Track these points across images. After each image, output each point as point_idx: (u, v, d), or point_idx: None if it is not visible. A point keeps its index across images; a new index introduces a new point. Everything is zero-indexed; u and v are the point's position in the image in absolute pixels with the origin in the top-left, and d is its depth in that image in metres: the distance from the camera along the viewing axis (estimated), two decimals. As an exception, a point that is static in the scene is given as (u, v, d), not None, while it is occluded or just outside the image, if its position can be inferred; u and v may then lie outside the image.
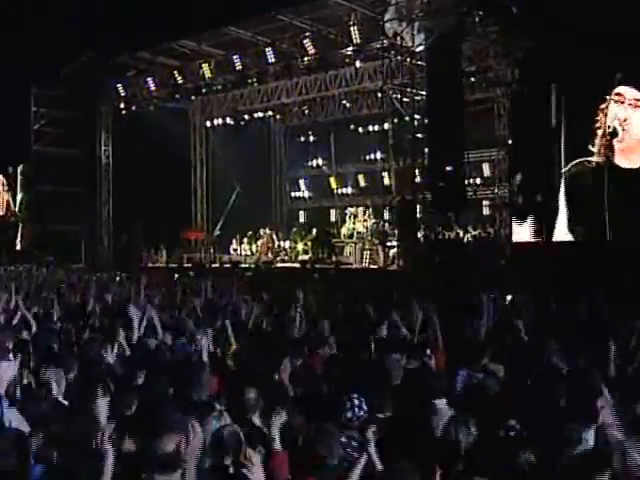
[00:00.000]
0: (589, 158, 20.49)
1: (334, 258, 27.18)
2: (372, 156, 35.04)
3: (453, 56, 21.73)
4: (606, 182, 19.84)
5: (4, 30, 30.28)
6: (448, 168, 22.52)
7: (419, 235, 24.46)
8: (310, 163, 37.41)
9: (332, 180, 36.78)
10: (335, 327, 9.81)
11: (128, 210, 33.04)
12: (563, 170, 20.69)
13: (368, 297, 12.73)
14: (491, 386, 6.59)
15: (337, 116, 35.15)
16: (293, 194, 38.75)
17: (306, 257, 29.78)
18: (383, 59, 23.83)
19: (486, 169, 30.67)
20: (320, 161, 37.00)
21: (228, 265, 30.06)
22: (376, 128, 34.23)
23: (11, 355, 7.55)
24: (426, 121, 24.92)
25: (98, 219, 34.36)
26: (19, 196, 35.21)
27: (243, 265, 29.98)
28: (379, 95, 30.17)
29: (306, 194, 38.33)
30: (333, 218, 36.39)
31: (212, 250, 34.09)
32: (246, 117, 34.17)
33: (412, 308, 9.86)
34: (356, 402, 5.92)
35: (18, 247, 34.94)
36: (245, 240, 33.27)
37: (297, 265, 29.05)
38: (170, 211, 32.91)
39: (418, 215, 24.57)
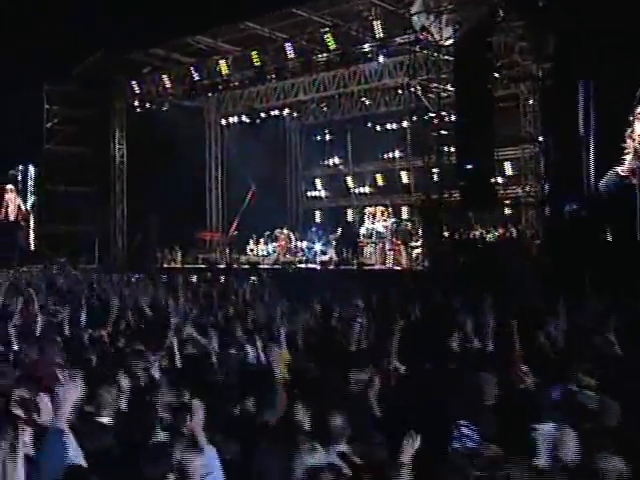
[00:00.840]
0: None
1: (358, 259, 26.42)
2: (390, 155, 34.42)
3: (482, 50, 21.00)
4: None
5: (16, 27, 29.77)
6: (469, 166, 21.82)
7: (445, 235, 23.74)
8: (326, 162, 36.72)
9: (349, 179, 36.06)
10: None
11: (142, 210, 32.41)
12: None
13: (412, 302, 11.99)
14: (596, 404, 5.85)
15: (354, 114, 34.49)
16: (309, 193, 38.02)
17: (325, 258, 29.14)
18: (411, 53, 23.07)
19: (508, 167, 29.94)
20: (337, 160, 36.31)
21: (247, 266, 29.29)
22: (394, 126, 33.65)
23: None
24: (452, 118, 24.35)
25: (112, 219, 33.71)
26: (31, 197, 34.60)
27: (263, 266, 29.23)
28: (400, 92, 29.76)
29: (322, 193, 37.61)
30: (350, 218, 35.70)
31: (228, 251, 33.45)
32: (262, 115, 33.41)
33: (484, 313, 9.09)
34: (465, 431, 5.10)
35: (32, 248, 34.33)
36: (262, 240, 32.55)
37: (317, 266, 28.39)
38: (184, 211, 32.24)
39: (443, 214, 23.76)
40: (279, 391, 6.00)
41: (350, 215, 35.83)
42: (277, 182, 36.90)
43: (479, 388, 6.33)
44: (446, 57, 22.89)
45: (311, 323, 10.17)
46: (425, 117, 24.74)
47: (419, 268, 23.98)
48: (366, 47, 25.31)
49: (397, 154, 34.17)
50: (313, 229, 32.00)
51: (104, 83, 32.49)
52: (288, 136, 37.91)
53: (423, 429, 5.01)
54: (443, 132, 23.69)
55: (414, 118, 31.93)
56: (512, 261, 20.55)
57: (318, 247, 31.00)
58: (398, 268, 25.09)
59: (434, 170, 24.51)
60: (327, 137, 36.49)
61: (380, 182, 35.46)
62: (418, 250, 26.56)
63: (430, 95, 23.49)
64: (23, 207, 34.78)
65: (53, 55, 29.76)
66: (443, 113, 23.98)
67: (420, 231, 26.82)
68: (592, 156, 19.65)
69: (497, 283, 16.50)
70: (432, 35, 22.03)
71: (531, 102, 26.30)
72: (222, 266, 29.90)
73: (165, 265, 31.72)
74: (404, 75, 27.57)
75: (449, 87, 23.38)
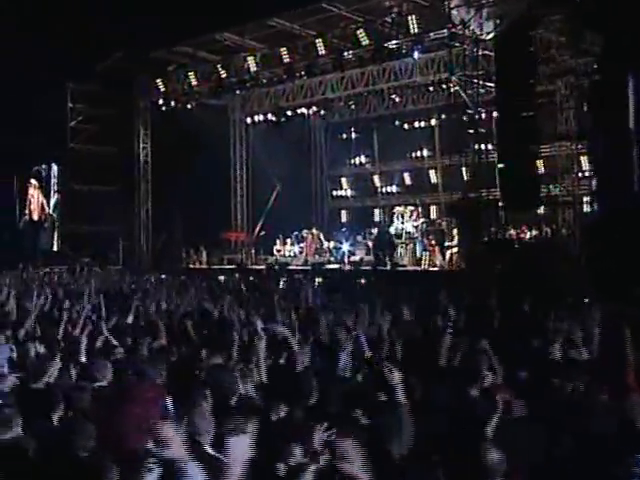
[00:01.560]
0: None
1: (395, 260, 25.86)
2: (418, 153, 33.83)
3: (525, 44, 20.37)
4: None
5: (40, 25, 29.35)
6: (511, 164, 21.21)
7: (485, 235, 23.15)
8: (353, 161, 36.17)
9: (376, 178, 35.47)
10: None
11: (167, 210, 31.99)
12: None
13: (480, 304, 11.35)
14: None
15: (380, 112, 33.88)
16: (334, 193, 37.43)
17: (355, 258, 28.59)
18: (450, 48, 22.42)
19: (541, 166, 29.21)
20: (363, 159, 35.76)
21: (276, 267, 28.76)
22: (422, 124, 33.09)
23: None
24: (490, 114, 23.83)
25: (136, 219, 33.16)
26: (54, 196, 34.15)
27: (296, 267, 28.70)
28: (431, 89, 29.15)
29: (348, 193, 37.04)
30: (377, 218, 35.13)
31: (254, 251, 32.99)
32: (288, 113, 32.85)
33: (589, 316, 8.43)
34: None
35: (55, 248, 33.88)
36: (289, 241, 32.01)
37: (348, 267, 27.86)
38: (209, 210, 31.79)
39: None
40: (404, 416, 5.14)
41: (377, 215, 35.23)
42: (302, 181, 36.40)
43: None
44: (485, 52, 22.25)
45: (389, 329, 9.44)
46: (462, 114, 24.03)
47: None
48: (400, 43, 24.62)
49: (425, 153, 33.59)
50: (343, 229, 31.42)
51: (128, 82, 32.05)
52: (313, 135, 37.40)
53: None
54: (481, 130, 22.93)
55: (443, 116, 31.78)
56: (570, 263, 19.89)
57: (346, 247, 30.47)
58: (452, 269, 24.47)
59: (468, 169, 23.87)
60: (353, 135, 35.94)
61: (408, 181, 34.85)
62: (453, 250, 25.99)
63: (468, 91, 22.79)
64: (46, 207, 34.33)
65: (77, 54, 29.33)
66: (480, 110, 23.26)
67: (456, 231, 26.19)
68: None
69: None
70: (472, 29, 21.39)
71: (568, 98, 25.70)
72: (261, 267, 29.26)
73: (191, 265, 31.23)
74: (435, 72, 27.18)
75: (488, 83, 22.74)
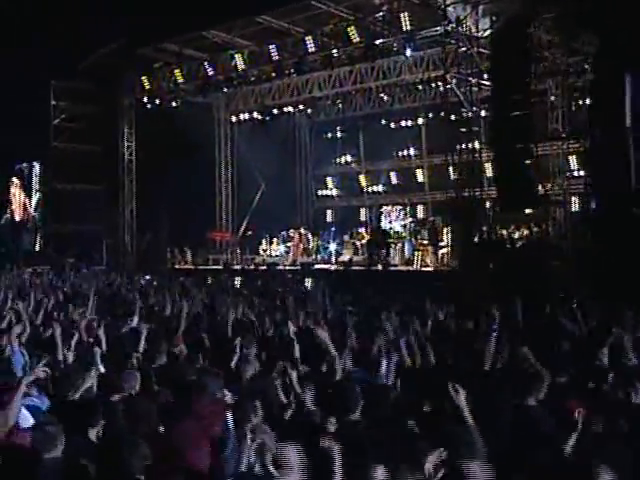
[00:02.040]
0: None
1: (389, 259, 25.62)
2: (405, 152, 33.60)
3: (521, 42, 20.18)
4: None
5: (23, 21, 28.82)
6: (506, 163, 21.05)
7: (478, 234, 22.94)
8: (338, 160, 35.87)
9: (362, 177, 35.21)
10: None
11: (151, 209, 31.51)
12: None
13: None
14: None
15: (366, 111, 33.66)
16: (320, 192, 37.12)
17: (344, 258, 28.32)
18: (444, 45, 22.15)
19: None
20: (349, 158, 35.47)
21: (264, 267, 28.41)
22: (409, 123, 32.88)
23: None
24: (482, 113, 23.66)
25: (120, 219, 32.67)
26: (36, 195, 33.59)
27: (284, 267, 28.37)
28: (420, 87, 28.98)
29: (334, 192, 36.73)
30: (363, 217, 34.87)
31: (239, 251, 32.61)
32: (275, 111, 32.55)
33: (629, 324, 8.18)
34: None
35: (37, 248, 33.33)
36: (275, 240, 31.67)
37: (336, 267, 27.59)
38: (194, 210, 31.39)
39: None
40: (476, 440, 4.69)
41: (363, 214, 34.97)
42: (287, 181, 36.08)
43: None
44: (479, 50, 22.05)
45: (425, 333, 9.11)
46: (451, 113, 23.82)
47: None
48: (392, 40, 24.36)
49: (412, 152, 33.38)
50: (333, 229, 31.10)
51: (113, 79, 31.51)
52: (298, 134, 37.07)
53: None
54: (474, 128, 22.73)
55: (430, 115, 31.61)
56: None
57: (333, 247, 30.23)
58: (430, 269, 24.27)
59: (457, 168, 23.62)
60: (339, 134, 35.66)
61: (394, 180, 34.61)
62: (444, 250, 25.80)
63: (461, 89, 22.55)
64: (29, 206, 33.79)
65: (60, 51, 28.82)
66: (474, 108, 23.04)
67: (446, 230, 26.00)
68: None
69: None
70: (468, 27, 21.18)
71: (553, 98, 25.60)
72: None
73: (176, 266, 30.81)
74: (424, 70, 27.03)
75: (482, 81, 22.56)
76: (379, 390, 6.36)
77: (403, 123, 32.96)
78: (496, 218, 24.18)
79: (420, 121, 32.37)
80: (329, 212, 36.86)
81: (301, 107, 32.42)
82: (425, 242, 26.36)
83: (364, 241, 28.54)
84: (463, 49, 22.15)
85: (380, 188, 34.68)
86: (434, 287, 18.41)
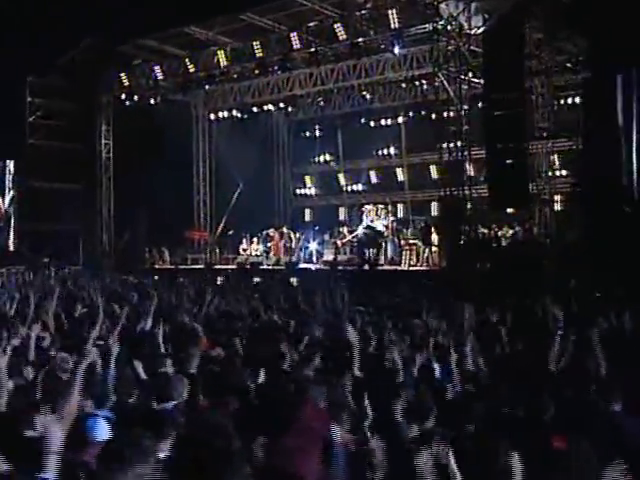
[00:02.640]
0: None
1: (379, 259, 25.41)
2: (385, 151, 33.43)
3: (515, 39, 20.14)
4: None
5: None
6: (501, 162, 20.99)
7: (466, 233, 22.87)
8: (317, 159, 35.61)
9: (341, 176, 34.98)
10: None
11: (129, 208, 30.99)
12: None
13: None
14: None
15: (345, 109, 33.51)
16: (298, 191, 36.84)
17: (329, 258, 28.05)
18: (437, 42, 21.98)
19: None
20: (327, 157, 35.21)
21: (249, 266, 28.09)
22: (389, 122, 32.77)
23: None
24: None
25: (98, 217, 32.13)
26: (9, 194, 32.84)
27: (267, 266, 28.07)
28: (404, 85, 28.94)
29: (312, 191, 36.46)
30: (342, 216, 34.68)
31: (218, 250, 32.23)
32: (254, 109, 32.33)
33: None
34: None
35: (11, 248, 32.57)
36: (255, 240, 31.29)
37: (321, 266, 27.36)
38: (171, 209, 30.94)
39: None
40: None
41: (342, 213, 34.79)
42: (266, 180, 35.76)
43: None
44: (470, 47, 21.97)
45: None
46: (432, 111, 23.72)
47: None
48: (379, 38, 24.21)
49: (392, 150, 33.21)
50: (315, 228, 30.82)
51: (90, 75, 30.91)
52: (277, 132, 36.77)
53: None
54: (465, 127, 22.64)
55: (410, 114, 31.56)
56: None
57: (314, 247, 29.95)
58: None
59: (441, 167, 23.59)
60: (317, 133, 35.44)
61: (374, 179, 34.44)
62: (432, 249, 25.66)
63: (452, 87, 22.44)
64: (2, 206, 33.05)
65: (36, 46, 28.20)
66: (463, 106, 22.94)
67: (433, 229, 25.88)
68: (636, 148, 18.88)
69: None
70: (459, 24, 21.07)
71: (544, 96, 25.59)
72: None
73: (156, 266, 30.37)
74: (408, 68, 26.89)
75: (473, 79, 22.49)
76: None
77: (383, 122, 32.87)
78: (481, 217, 24.19)
79: (400, 120, 32.25)
80: (307, 211, 36.65)
81: (282, 105, 32.15)
82: (411, 241, 26.18)
83: (346, 240, 28.30)
84: (453, 47, 22.01)
85: (360, 187, 34.44)
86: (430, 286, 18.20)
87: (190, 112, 34.39)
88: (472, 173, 29.64)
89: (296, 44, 25.85)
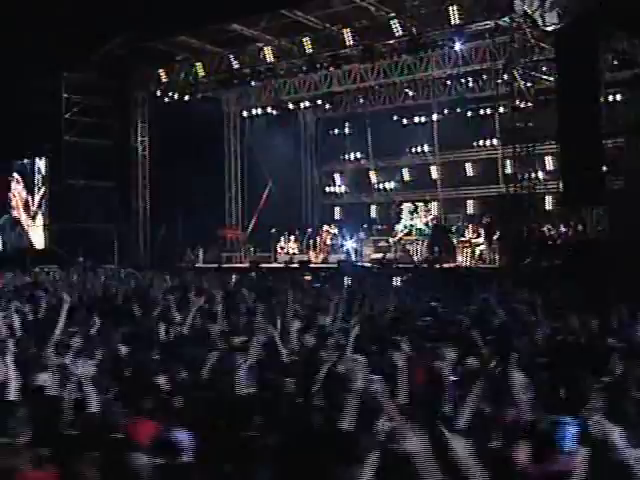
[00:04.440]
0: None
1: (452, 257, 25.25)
2: (418, 149, 33.20)
3: (591, 36, 20.04)
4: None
5: (33, 10, 27.70)
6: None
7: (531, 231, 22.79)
8: (347, 156, 35.32)
9: (372, 174, 34.74)
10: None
11: (165, 206, 30.63)
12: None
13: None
14: None
15: (377, 107, 33.23)
16: (327, 189, 36.55)
17: (377, 256, 27.87)
18: (513, 35, 21.83)
19: (549, 162, 28.99)
20: (358, 154, 34.92)
21: (296, 265, 27.82)
22: (423, 119, 32.60)
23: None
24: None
25: (133, 216, 31.71)
26: (39, 193, 32.31)
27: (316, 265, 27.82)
28: (449, 82, 28.85)
29: (342, 189, 36.18)
30: (373, 214, 34.46)
31: (252, 249, 31.94)
32: (291, 106, 32.08)
33: None
34: None
35: (41, 247, 32.06)
36: (292, 238, 30.97)
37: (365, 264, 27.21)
38: (204, 207, 30.60)
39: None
40: None
41: (374, 211, 34.57)
42: (295, 177, 35.52)
43: None
44: (540, 43, 21.92)
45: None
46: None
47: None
48: (438, 34, 24.07)
49: (426, 148, 33.01)
50: (365, 225, 30.64)
51: (125, 72, 30.55)
52: (306, 130, 36.40)
53: None
54: (532, 123, 22.56)
55: (446, 111, 31.46)
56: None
57: (350, 244, 29.79)
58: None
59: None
60: (347, 131, 35.16)
61: (407, 177, 34.20)
62: (481, 247, 25.59)
63: (522, 82, 22.35)
64: (31, 204, 32.55)
65: (72, 42, 27.76)
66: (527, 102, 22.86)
67: (482, 230, 25.80)
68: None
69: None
70: (527, 21, 20.99)
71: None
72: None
73: (197, 265, 30.00)
74: (456, 65, 26.81)
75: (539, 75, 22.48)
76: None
77: (416, 119, 32.66)
78: (542, 214, 24.17)
79: (434, 117, 32.06)
80: (337, 209, 36.30)
81: (319, 102, 31.93)
82: (464, 238, 26.09)
83: (396, 239, 28.18)
84: (520, 42, 21.94)
85: (392, 185, 34.20)
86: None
87: (221, 109, 34.01)
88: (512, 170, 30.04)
89: (349, 41, 25.64)
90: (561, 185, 22.02)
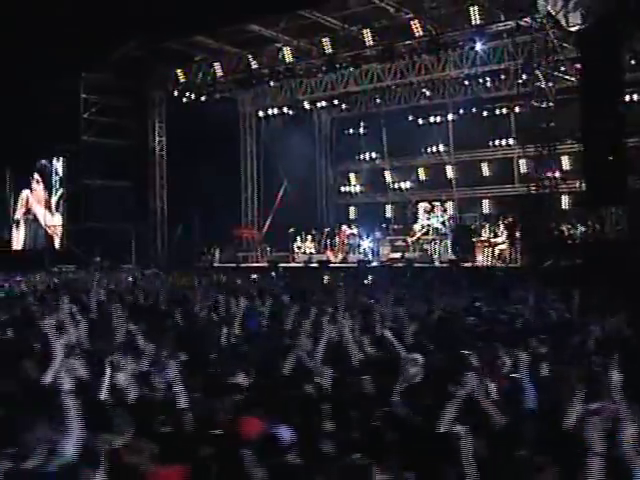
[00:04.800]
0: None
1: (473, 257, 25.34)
2: (434, 148, 33.25)
3: (614, 36, 20.15)
4: None
5: (52, 10, 27.81)
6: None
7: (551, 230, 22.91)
8: (362, 156, 35.38)
9: (387, 174, 34.83)
10: None
11: (182, 206, 30.76)
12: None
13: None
14: None
15: (392, 107, 33.27)
16: (342, 189, 36.63)
17: (395, 255, 27.99)
18: (533, 35, 21.99)
19: (565, 162, 29.01)
20: (373, 154, 34.99)
21: (315, 265, 27.91)
22: (438, 119, 32.68)
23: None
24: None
25: (151, 216, 31.85)
26: (57, 193, 32.48)
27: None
28: (466, 82, 28.93)
29: (357, 188, 36.26)
30: (389, 214, 34.53)
31: (268, 248, 32.05)
32: (307, 106, 32.17)
33: None
34: None
35: (59, 246, 32.22)
36: (309, 238, 31.06)
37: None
38: (220, 207, 30.74)
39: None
40: None
41: (389, 211, 34.64)
42: (310, 177, 35.61)
43: None
44: (562, 44, 22.06)
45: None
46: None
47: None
48: (458, 34, 24.20)
49: (442, 148, 33.08)
50: (384, 225, 30.76)
51: (143, 72, 30.65)
52: (320, 129, 36.48)
53: None
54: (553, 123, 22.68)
55: (461, 111, 31.53)
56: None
57: (367, 244, 29.88)
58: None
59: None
60: (361, 130, 35.22)
61: (422, 177, 34.27)
62: (502, 247, 25.66)
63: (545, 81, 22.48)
64: (51, 203, 32.74)
65: (91, 42, 27.86)
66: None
67: (502, 227, 25.88)
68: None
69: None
70: (558, 21, 21.09)
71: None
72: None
73: (215, 264, 30.11)
74: (472, 65, 26.90)
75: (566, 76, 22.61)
76: None
77: (432, 119, 32.73)
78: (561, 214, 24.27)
79: (450, 117, 32.14)
80: (352, 209, 36.36)
81: (335, 102, 32.04)
82: (483, 238, 26.16)
83: (414, 238, 28.28)
84: (541, 43, 22.06)
85: (408, 185, 34.27)
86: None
87: (237, 109, 34.12)
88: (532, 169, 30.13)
89: (369, 41, 25.75)
90: (578, 184, 22.06)
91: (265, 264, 29.64)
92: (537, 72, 21.98)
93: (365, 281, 22.78)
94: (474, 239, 26.19)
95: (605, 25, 20.22)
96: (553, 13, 20.88)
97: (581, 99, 21.27)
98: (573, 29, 20.97)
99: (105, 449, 4.54)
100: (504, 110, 30.59)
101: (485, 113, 31.25)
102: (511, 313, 11.20)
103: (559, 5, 20.87)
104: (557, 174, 26.53)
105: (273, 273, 26.99)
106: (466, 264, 24.41)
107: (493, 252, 25.40)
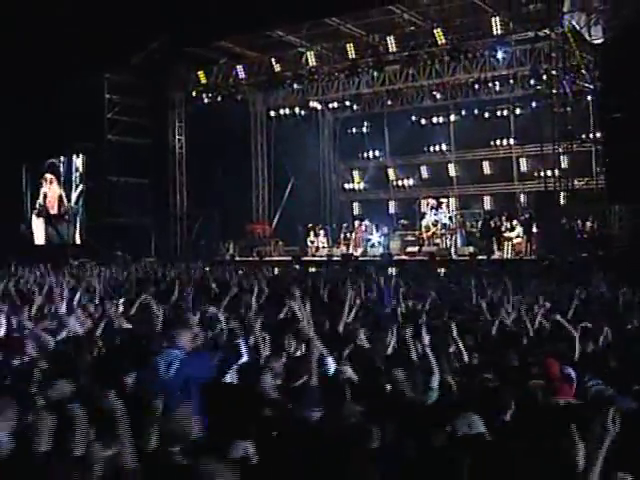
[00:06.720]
0: None
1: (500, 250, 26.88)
2: (437, 147, 34.78)
3: (634, 47, 21.81)
4: None
5: (76, 12, 28.72)
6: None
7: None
8: (365, 154, 36.81)
9: (390, 171, 36.33)
10: None
11: (200, 202, 32.07)
12: None
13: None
14: None
15: (396, 107, 34.69)
16: (346, 186, 38.06)
17: (413, 249, 29.41)
18: (551, 44, 23.74)
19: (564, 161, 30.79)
20: (377, 152, 36.40)
21: (339, 259, 29.29)
22: (441, 120, 34.22)
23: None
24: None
25: (170, 211, 33.01)
26: (76, 189, 33.39)
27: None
28: (477, 86, 30.41)
29: (361, 186, 37.70)
30: (392, 210, 36.00)
31: (281, 243, 33.33)
32: (318, 107, 33.54)
33: None
34: None
35: (77, 242, 33.17)
36: (322, 232, 32.42)
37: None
38: (233, 203, 32.06)
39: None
40: None
41: (392, 207, 36.11)
42: (316, 174, 36.95)
43: None
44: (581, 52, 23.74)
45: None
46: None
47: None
48: (480, 43, 25.79)
49: (444, 147, 34.64)
50: (396, 221, 32.21)
51: (164, 74, 31.80)
52: (324, 128, 37.78)
53: None
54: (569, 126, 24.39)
55: (463, 112, 33.11)
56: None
57: (375, 239, 31.26)
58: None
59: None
60: (364, 130, 36.58)
61: (425, 174, 35.83)
62: (515, 241, 27.23)
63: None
64: (65, 200, 33.60)
65: (115, 43, 28.83)
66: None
67: (516, 222, 27.50)
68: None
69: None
70: (581, 35, 22.74)
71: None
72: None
73: (237, 258, 31.33)
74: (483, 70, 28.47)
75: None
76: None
77: (434, 120, 34.25)
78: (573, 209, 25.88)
79: (452, 118, 33.68)
80: (356, 205, 37.82)
81: (348, 104, 33.38)
82: (504, 233, 27.67)
83: (429, 233, 29.70)
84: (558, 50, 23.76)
85: (411, 182, 35.77)
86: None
87: (249, 110, 35.34)
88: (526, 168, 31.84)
89: (392, 47, 27.21)
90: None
91: (282, 258, 30.79)
92: (552, 76, 23.57)
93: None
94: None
95: (625, 35, 21.84)
96: (578, 28, 22.44)
97: (602, 97, 22.85)
98: (597, 42, 22.61)
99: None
100: (505, 112, 32.31)
101: (486, 115, 32.86)
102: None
103: (583, 20, 22.49)
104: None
105: (297, 266, 28.34)
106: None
107: (509, 246, 27.02)
